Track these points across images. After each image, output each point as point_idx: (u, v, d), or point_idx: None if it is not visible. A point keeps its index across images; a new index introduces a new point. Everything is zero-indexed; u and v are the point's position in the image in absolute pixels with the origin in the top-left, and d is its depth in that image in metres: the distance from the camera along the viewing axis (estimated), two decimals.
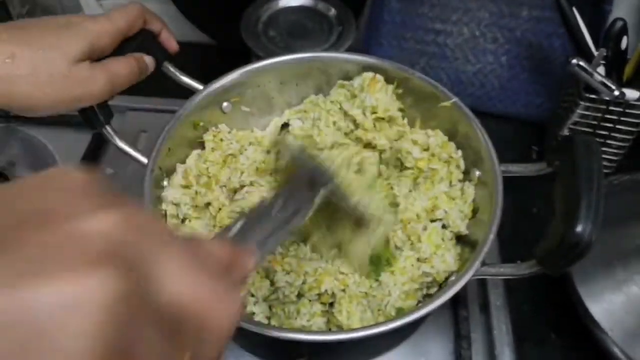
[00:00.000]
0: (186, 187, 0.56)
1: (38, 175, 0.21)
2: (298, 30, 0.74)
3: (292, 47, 0.71)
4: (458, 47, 0.77)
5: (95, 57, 0.46)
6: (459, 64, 0.78)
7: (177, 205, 0.55)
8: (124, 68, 0.47)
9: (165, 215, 0.54)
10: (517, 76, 0.77)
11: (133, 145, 0.54)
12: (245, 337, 0.55)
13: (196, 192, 0.55)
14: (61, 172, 0.22)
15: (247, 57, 0.73)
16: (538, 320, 0.59)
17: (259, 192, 0.55)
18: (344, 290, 0.49)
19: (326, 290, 0.48)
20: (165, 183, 0.56)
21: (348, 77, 0.62)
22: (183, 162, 0.58)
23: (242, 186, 0.56)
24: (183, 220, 0.55)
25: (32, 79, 0.41)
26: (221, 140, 0.59)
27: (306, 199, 0.40)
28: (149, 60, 0.52)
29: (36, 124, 0.75)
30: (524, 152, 0.76)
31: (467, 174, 0.57)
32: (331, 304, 0.49)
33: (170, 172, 0.57)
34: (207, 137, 0.59)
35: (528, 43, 0.75)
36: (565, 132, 0.68)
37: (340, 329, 0.48)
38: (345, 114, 0.60)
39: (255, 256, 0.29)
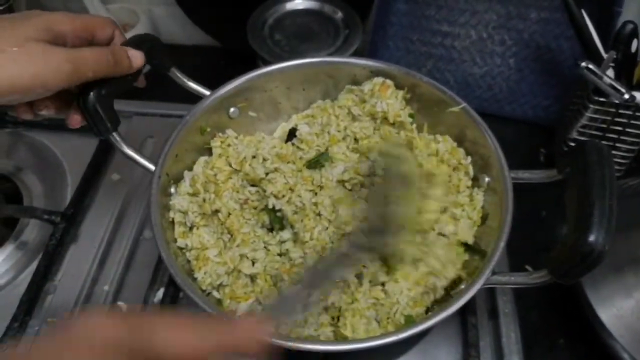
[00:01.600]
0: (193, 194, 0.56)
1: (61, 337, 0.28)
2: (304, 34, 0.73)
3: (298, 51, 0.71)
4: (465, 49, 0.76)
5: (59, 43, 0.44)
6: (466, 67, 0.77)
7: (184, 213, 0.55)
8: (93, 54, 0.45)
9: (173, 223, 0.54)
10: (524, 78, 0.76)
11: (139, 151, 0.54)
12: None
13: (204, 200, 0.55)
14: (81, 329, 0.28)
15: (253, 59, 0.73)
16: (547, 327, 0.59)
17: (282, 179, 0.55)
18: (351, 303, 0.49)
19: (333, 303, 0.48)
20: (172, 190, 0.56)
21: (356, 82, 0.61)
22: (190, 168, 0.58)
23: (267, 173, 0.56)
24: (191, 228, 0.55)
25: None
26: (228, 145, 0.59)
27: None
28: (134, 54, 0.49)
29: (43, 129, 0.75)
30: (532, 155, 0.75)
31: (476, 181, 0.56)
32: (338, 316, 0.49)
33: (177, 179, 0.57)
34: (214, 144, 0.59)
35: (536, 45, 0.74)
36: (574, 135, 0.67)
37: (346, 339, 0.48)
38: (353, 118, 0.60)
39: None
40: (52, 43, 0.43)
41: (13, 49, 0.41)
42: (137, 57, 0.49)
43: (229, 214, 0.54)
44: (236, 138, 0.60)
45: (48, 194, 0.70)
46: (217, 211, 0.54)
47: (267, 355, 0.33)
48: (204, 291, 0.51)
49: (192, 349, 0.30)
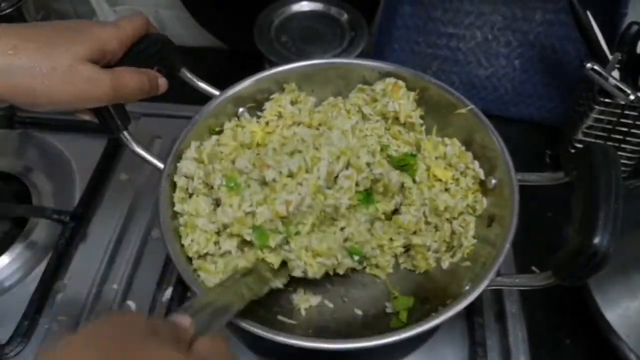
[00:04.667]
0: (199, 161, 0.55)
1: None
2: (310, 36, 0.74)
3: (304, 52, 0.71)
4: (470, 50, 0.76)
5: (104, 62, 0.46)
6: (471, 68, 0.77)
7: (189, 178, 0.54)
8: (134, 80, 0.47)
9: (175, 187, 0.54)
10: (530, 79, 0.77)
11: (148, 151, 0.54)
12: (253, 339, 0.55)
13: (208, 172, 0.54)
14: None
15: (259, 61, 0.74)
16: (553, 327, 0.59)
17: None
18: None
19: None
20: None
21: (365, 84, 0.61)
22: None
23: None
24: (190, 195, 0.54)
25: (32, 70, 0.41)
26: (243, 127, 0.59)
27: None
28: (162, 81, 0.51)
29: (52, 130, 0.76)
30: (537, 156, 0.76)
31: (482, 183, 0.56)
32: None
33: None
34: (227, 125, 0.58)
35: (541, 46, 0.74)
36: (580, 136, 0.68)
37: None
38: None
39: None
40: (99, 60, 0.45)
41: (64, 68, 0.42)
42: (163, 84, 0.52)
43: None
44: (254, 122, 0.60)
45: (57, 194, 0.71)
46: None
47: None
48: (190, 259, 0.51)
49: None
